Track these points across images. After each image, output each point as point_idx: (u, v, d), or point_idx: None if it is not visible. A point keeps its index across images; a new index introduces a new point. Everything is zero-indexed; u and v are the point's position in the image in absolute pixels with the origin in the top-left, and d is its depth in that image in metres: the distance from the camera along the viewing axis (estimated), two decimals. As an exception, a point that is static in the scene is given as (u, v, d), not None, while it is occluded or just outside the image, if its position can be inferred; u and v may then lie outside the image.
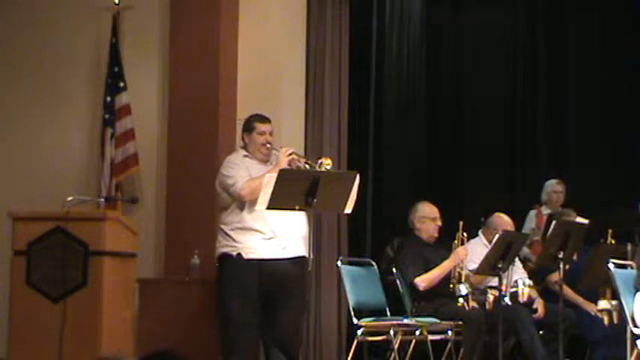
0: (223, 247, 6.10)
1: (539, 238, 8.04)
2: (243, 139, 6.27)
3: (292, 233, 5.96)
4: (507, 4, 9.29)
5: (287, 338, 5.98)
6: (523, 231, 7.95)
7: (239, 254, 6.00)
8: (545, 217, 8.28)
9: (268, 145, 6.10)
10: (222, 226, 6.13)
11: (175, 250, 7.31)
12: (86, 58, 7.92)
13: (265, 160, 6.11)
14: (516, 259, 6.96)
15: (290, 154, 5.99)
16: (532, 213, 8.38)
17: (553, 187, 8.46)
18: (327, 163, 5.86)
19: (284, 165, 5.90)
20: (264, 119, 6.26)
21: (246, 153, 6.18)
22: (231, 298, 6.07)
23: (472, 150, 9.19)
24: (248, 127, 6.23)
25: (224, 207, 6.15)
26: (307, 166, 5.98)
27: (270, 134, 6.17)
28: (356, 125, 8.33)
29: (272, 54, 7.80)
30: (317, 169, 5.84)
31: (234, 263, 6.03)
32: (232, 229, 6.04)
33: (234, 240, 6.03)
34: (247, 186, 5.93)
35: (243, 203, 5.98)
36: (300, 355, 6.04)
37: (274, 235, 5.97)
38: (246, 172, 6.00)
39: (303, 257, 5.95)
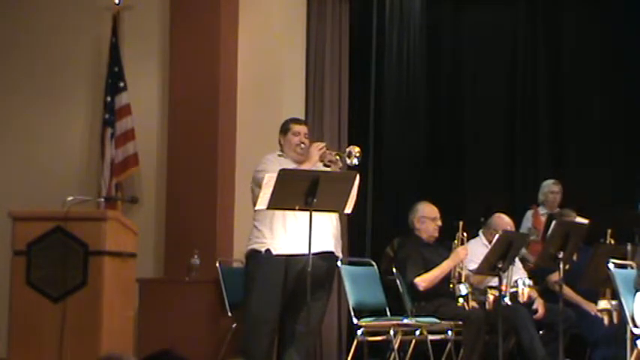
0: (253, 243, 6.11)
1: (537, 238, 8.05)
2: (279, 141, 6.27)
3: (321, 230, 5.94)
4: (507, 3, 9.28)
5: (305, 333, 5.97)
6: (520, 231, 7.94)
7: (268, 250, 6.02)
8: (542, 218, 8.30)
9: (303, 146, 6.13)
10: (255, 223, 6.15)
11: (175, 250, 7.33)
12: (86, 58, 7.93)
13: (300, 161, 6.10)
14: (516, 259, 6.96)
15: (321, 149, 6.03)
16: (529, 213, 8.39)
17: (549, 187, 8.46)
18: (356, 151, 5.92)
19: (316, 159, 5.99)
20: (299, 121, 6.38)
21: (281, 153, 6.22)
22: (253, 293, 6.08)
23: (472, 150, 9.19)
24: (284, 128, 6.27)
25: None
26: (338, 157, 6.02)
27: (305, 135, 6.20)
28: (356, 125, 8.33)
29: (272, 54, 7.81)
30: (347, 159, 5.93)
31: (262, 259, 6.04)
32: (264, 226, 6.06)
33: (264, 236, 6.05)
34: None
35: None
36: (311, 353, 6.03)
37: (303, 232, 5.95)
38: (278, 168, 5.99)
39: (331, 252, 6.03)
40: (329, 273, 6.09)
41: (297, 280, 5.98)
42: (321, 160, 6.03)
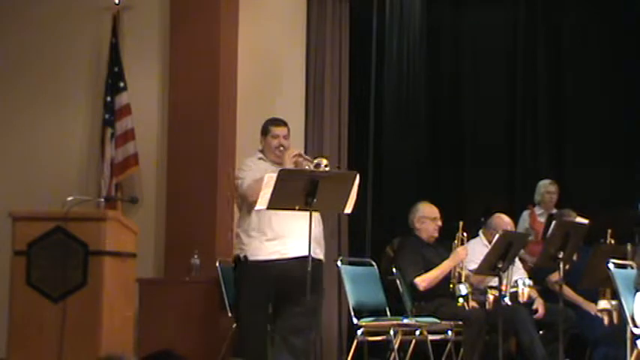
0: (236, 249, 6.17)
1: (535, 238, 8.05)
2: (261, 142, 6.28)
3: (298, 234, 5.96)
4: (507, 4, 9.29)
5: (295, 337, 5.99)
6: (517, 231, 7.94)
7: (245, 256, 6.06)
8: (538, 218, 8.31)
9: (282, 148, 6.12)
10: (237, 229, 6.21)
11: (175, 250, 7.33)
12: (86, 58, 7.93)
13: (280, 164, 6.11)
14: (516, 259, 6.96)
15: (294, 156, 6.02)
16: (525, 213, 8.41)
17: (546, 187, 8.47)
18: (324, 164, 5.90)
19: (289, 166, 5.95)
20: (279, 122, 6.30)
21: (261, 155, 6.23)
22: (240, 298, 6.16)
23: (472, 150, 9.19)
24: (264, 130, 6.27)
25: (239, 209, 6.22)
26: (308, 166, 6.00)
27: (285, 137, 6.19)
28: (356, 125, 8.33)
29: (272, 54, 7.81)
30: (314, 170, 5.90)
31: (243, 265, 6.09)
32: (243, 232, 6.10)
33: (242, 242, 6.09)
34: (251, 186, 5.98)
35: (251, 206, 6.01)
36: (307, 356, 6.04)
37: (279, 236, 5.99)
38: (258, 174, 6.02)
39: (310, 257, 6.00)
40: (313, 277, 6.03)
41: (277, 285, 6.00)
42: (296, 167, 5.99)
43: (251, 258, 6.02)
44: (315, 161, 5.92)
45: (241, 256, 6.07)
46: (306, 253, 5.93)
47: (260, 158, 6.20)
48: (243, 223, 6.10)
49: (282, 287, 5.98)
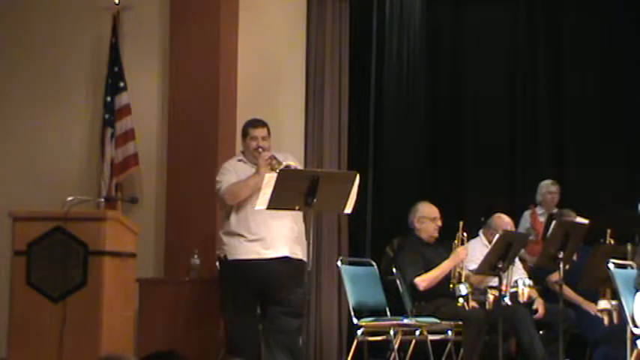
0: (218, 249, 6.30)
1: (535, 238, 8.06)
2: (242, 143, 6.33)
3: (277, 235, 6.04)
4: (507, 4, 9.28)
5: (284, 336, 6.03)
6: (518, 231, 7.94)
7: (225, 256, 6.17)
8: (539, 218, 8.31)
9: (260, 150, 6.15)
10: (219, 231, 6.34)
11: (175, 250, 7.33)
12: (86, 58, 7.92)
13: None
14: (516, 259, 6.96)
15: (267, 159, 6.05)
16: (526, 213, 8.42)
17: (547, 187, 8.48)
18: (292, 167, 5.95)
19: (264, 169, 6.00)
20: (257, 124, 6.34)
21: (241, 158, 6.33)
22: (225, 299, 6.27)
23: (472, 150, 9.18)
24: (243, 132, 6.37)
25: (221, 211, 6.31)
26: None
27: (264, 138, 6.21)
28: (356, 125, 8.33)
29: (272, 54, 7.81)
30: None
31: (223, 265, 6.21)
32: (224, 233, 6.23)
33: (222, 242, 6.21)
34: (228, 190, 6.11)
35: (231, 208, 6.14)
36: (301, 353, 6.05)
37: (257, 237, 6.08)
38: (235, 177, 6.14)
39: (287, 257, 6.05)
40: (293, 276, 6.05)
41: (257, 285, 6.07)
42: (272, 170, 5.98)
43: (230, 257, 6.09)
44: (285, 164, 5.94)
45: (222, 255, 6.18)
46: (286, 254, 6.09)
47: (240, 160, 6.30)
48: (225, 225, 6.21)
49: (264, 288, 6.05)
